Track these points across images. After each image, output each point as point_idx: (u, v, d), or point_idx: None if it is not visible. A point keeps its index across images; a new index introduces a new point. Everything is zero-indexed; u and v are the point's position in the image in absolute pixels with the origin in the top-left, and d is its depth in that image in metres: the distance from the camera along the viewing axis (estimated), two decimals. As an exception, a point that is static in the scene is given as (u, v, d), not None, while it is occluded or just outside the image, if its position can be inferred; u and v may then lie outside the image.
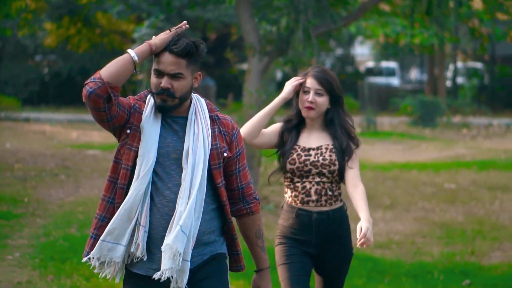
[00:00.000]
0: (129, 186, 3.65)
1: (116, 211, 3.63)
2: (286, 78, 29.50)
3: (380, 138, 21.67)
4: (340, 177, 4.59)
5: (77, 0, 26.59)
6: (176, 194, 3.62)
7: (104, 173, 13.33)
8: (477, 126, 25.26)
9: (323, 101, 4.60)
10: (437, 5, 11.74)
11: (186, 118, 3.71)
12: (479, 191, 12.58)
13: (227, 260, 3.83)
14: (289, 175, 4.60)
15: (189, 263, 3.60)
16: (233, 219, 3.89)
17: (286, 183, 4.67)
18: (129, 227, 3.60)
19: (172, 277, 3.58)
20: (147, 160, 3.62)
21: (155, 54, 3.63)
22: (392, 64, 36.99)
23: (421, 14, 13.42)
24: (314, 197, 4.56)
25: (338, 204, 4.61)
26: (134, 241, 3.60)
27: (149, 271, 3.65)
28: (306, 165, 4.57)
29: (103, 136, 20.05)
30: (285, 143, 4.65)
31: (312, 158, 4.58)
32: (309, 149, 4.61)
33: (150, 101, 3.71)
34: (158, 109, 3.65)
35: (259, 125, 4.59)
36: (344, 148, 4.58)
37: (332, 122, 4.63)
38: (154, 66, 3.63)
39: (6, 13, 17.28)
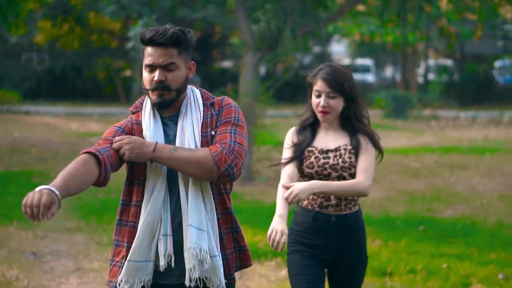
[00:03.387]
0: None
1: (133, 230, 3.45)
2: (270, 73, 31.42)
3: (356, 128, 23.54)
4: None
5: (71, 0, 28.37)
6: (178, 195, 3.46)
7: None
8: (445, 118, 27.24)
9: (336, 103, 4.39)
10: (403, 8, 13.70)
11: None
12: (440, 168, 14.55)
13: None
14: (306, 179, 4.38)
15: (217, 257, 3.42)
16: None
17: None
18: (153, 240, 3.40)
19: (206, 278, 3.41)
20: (160, 167, 3.45)
21: (142, 48, 3.48)
22: (367, 62, 38.96)
23: (391, 15, 15.33)
24: (333, 202, 4.37)
25: (356, 208, 4.43)
26: (164, 253, 3.40)
27: (180, 278, 3.47)
28: (325, 169, 4.36)
29: (101, 126, 21.86)
30: (300, 142, 4.45)
31: (331, 161, 4.36)
32: (327, 151, 4.39)
33: (147, 106, 3.53)
34: (156, 106, 3.46)
35: None
36: (359, 144, 4.36)
37: (349, 119, 4.41)
38: (144, 62, 3.45)
39: (17, 14, 19.05)
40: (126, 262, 3.38)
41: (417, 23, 21.43)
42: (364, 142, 4.35)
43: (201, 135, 3.48)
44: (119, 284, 3.40)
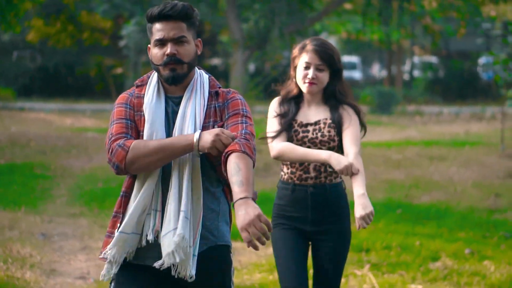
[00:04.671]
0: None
1: (127, 200, 3.45)
2: (259, 70, 32.16)
3: (342, 123, 24.31)
4: (340, 153, 4.37)
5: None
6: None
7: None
8: (429, 113, 28.03)
9: (324, 76, 4.39)
10: (385, 7, 14.49)
11: None
12: (421, 160, 15.34)
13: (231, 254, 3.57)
14: None
15: (193, 249, 3.36)
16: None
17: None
18: (143, 214, 3.39)
19: (173, 265, 3.35)
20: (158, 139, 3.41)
21: (149, 27, 3.46)
22: (353, 59, 39.74)
23: (373, 14, 16.10)
24: (312, 174, 4.38)
25: (337, 180, 4.41)
26: (151, 227, 3.38)
27: (153, 260, 3.41)
28: (304, 143, 4.37)
29: (94, 122, 22.57)
30: (285, 114, 4.47)
31: (310, 135, 4.38)
32: (306, 125, 4.41)
33: (152, 81, 3.50)
34: (170, 81, 3.42)
35: (289, 159, 4.38)
36: (341, 118, 4.38)
37: (332, 94, 4.42)
38: (154, 37, 3.42)
39: (16, 13, 19.70)
40: (118, 233, 3.38)
41: (401, 21, 22.23)
42: (347, 115, 4.37)
43: (204, 125, 3.44)
44: (106, 253, 3.41)
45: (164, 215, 3.37)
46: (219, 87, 3.56)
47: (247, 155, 3.34)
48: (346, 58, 39.53)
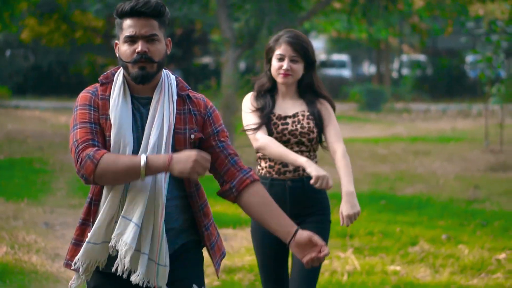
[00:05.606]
0: None
1: (96, 209, 3.30)
2: (250, 68, 32.67)
3: (331, 120, 24.85)
4: (320, 140, 4.45)
5: (57, -1, 29.48)
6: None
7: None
8: (416, 111, 28.58)
9: (299, 67, 4.41)
10: (369, 8, 15.03)
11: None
12: (406, 155, 15.88)
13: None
14: None
15: (146, 256, 3.23)
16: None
17: (260, 154, 4.45)
18: (112, 223, 3.25)
19: (133, 271, 3.26)
20: (124, 147, 3.25)
21: (119, 22, 3.31)
22: (343, 57, 40.25)
23: (358, 14, 16.63)
24: (291, 167, 4.38)
25: None
26: (118, 235, 3.24)
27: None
28: (285, 135, 4.38)
29: (89, 120, 23.03)
30: (262, 107, 4.45)
31: (290, 127, 4.39)
32: (285, 117, 4.42)
33: (118, 80, 3.33)
34: (138, 80, 3.26)
35: (270, 153, 4.35)
36: (319, 112, 4.42)
37: (307, 87, 4.45)
38: (124, 34, 3.27)
39: (12, 14, 20.18)
40: (85, 243, 3.25)
41: (389, 20, 22.75)
42: (326, 110, 4.43)
43: (175, 131, 3.31)
44: (75, 264, 3.29)
45: (119, 220, 3.25)
46: (189, 89, 3.42)
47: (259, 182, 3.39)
48: (335, 57, 40.04)
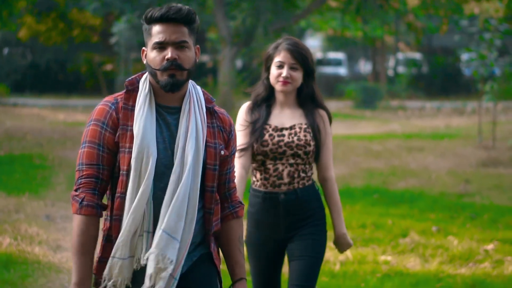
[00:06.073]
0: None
1: (118, 224, 3.20)
2: (247, 66, 32.93)
3: (327, 118, 25.12)
4: (315, 157, 4.37)
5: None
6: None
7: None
8: (411, 108, 28.82)
9: (298, 75, 4.35)
10: (363, 6, 15.28)
11: (180, 108, 3.24)
12: (400, 151, 16.14)
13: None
14: (260, 157, 4.34)
15: (170, 272, 3.16)
16: None
17: (254, 165, 4.39)
18: (136, 236, 3.17)
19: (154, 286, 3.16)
20: (147, 158, 3.14)
21: (147, 28, 3.22)
22: (339, 55, 40.50)
23: (352, 13, 16.88)
24: (286, 180, 4.32)
25: (309, 183, 4.35)
26: (144, 251, 3.17)
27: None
28: (280, 147, 4.31)
29: (87, 117, 23.23)
30: (255, 121, 4.38)
31: (286, 139, 4.32)
32: (281, 129, 4.35)
33: (144, 89, 3.22)
34: (168, 87, 3.15)
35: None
36: (319, 126, 4.36)
37: (306, 97, 4.40)
38: (153, 40, 3.17)
39: (10, 12, 20.39)
40: (110, 258, 3.17)
41: (385, 18, 23.01)
42: (323, 124, 4.39)
43: (207, 144, 3.23)
44: (104, 281, 3.20)
45: (155, 234, 3.16)
46: (213, 100, 3.39)
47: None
48: (331, 55, 40.28)
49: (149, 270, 3.14)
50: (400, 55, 39.27)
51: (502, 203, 10.28)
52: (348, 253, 7.48)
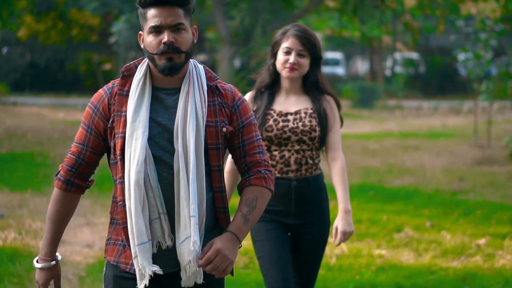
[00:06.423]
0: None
1: (123, 209, 3.19)
2: (244, 66, 33.13)
3: (324, 117, 25.36)
4: (320, 143, 4.30)
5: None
6: (173, 176, 3.16)
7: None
8: (408, 108, 29.05)
9: (305, 62, 4.28)
10: (360, 7, 15.50)
11: (180, 89, 3.20)
12: (396, 149, 16.36)
13: None
14: (265, 143, 4.28)
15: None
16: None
17: None
18: (146, 218, 3.15)
19: (186, 273, 3.16)
20: (136, 141, 3.13)
21: (142, 12, 3.18)
22: (337, 55, 40.71)
23: (349, 14, 17.09)
24: (294, 167, 4.27)
25: (317, 172, 4.32)
26: (166, 233, 3.16)
27: (166, 268, 3.20)
28: (285, 132, 4.25)
29: (86, 116, 23.46)
30: (257, 109, 4.33)
31: (290, 124, 4.26)
32: (286, 114, 4.30)
33: (139, 73, 3.21)
34: (166, 71, 3.14)
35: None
36: (325, 111, 4.29)
37: (312, 84, 4.32)
38: (149, 24, 3.14)
39: (11, 12, 20.60)
40: (138, 245, 3.13)
41: (383, 18, 23.22)
42: (331, 110, 4.31)
43: (207, 124, 3.18)
44: (133, 267, 3.20)
45: (175, 219, 3.15)
46: (217, 78, 3.32)
47: (271, 191, 3.29)
48: (329, 55, 40.48)
49: (187, 257, 3.13)
50: (398, 55, 39.49)
51: (495, 200, 10.51)
52: (344, 247, 7.69)
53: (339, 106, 4.35)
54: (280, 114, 4.31)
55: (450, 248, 7.74)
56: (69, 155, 3.29)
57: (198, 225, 3.13)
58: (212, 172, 3.22)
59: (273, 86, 4.38)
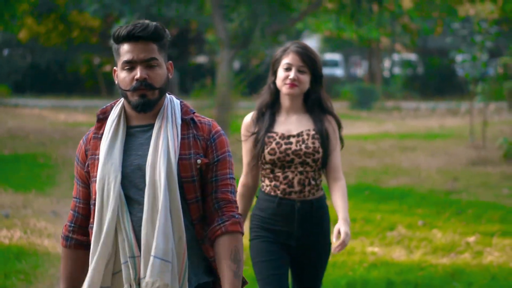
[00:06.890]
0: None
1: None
2: (244, 68, 33.40)
3: (323, 118, 25.63)
4: (323, 164, 4.29)
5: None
6: None
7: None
8: (406, 109, 29.27)
9: (306, 79, 4.27)
10: (357, 10, 15.77)
11: (154, 125, 3.14)
12: (393, 150, 16.63)
13: None
14: (268, 166, 4.27)
15: None
16: None
17: (263, 172, 4.32)
18: (110, 263, 3.10)
19: None
20: (109, 185, 3.07)
21: (116, 48, 3.11)
22: (336, 56, 40.97)
23: (346, 16, 17.35)
24: (297, 188, 4.25)
25: (320, 193, 4.31)
26: (134, 277, 3.07)
27: None
28: (288, 155, 4.24)
29: (87, 117, 23.70)
30: (258, 131, 4.30)
31: (293, 147, 4.25)
32: (289, 137, 4.27)
33: (113, 114, 3.17)
34: (139, 108, 3.09)
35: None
36: (327, 132, 4.26)
37: (313, 103, 4.31)
38: (122, 59, 3.09)
39: (12, 14, 20.81)
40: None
41: (380, 20, 23.47)
42: (333, 131, 4.30)
43: (180, 157, 3.09)
44: None
45: (142, 261, 3.05)
46: (193, 113, 3.23)
47: (241, 234, 3.16)
48: (328, 56, 40.73)
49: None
50: (396, 56, 39.75)
51: (488, 200, 10.78)
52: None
53: (340, 127, 4.36)
54: (283, 136, 4.29)
55: (441, 246, 8.02)
56: (70, 211, 3.30)
57: (170, 264, 3.03)
58: (191, 205, 3.14)
59: (274, 105, 4.36)
